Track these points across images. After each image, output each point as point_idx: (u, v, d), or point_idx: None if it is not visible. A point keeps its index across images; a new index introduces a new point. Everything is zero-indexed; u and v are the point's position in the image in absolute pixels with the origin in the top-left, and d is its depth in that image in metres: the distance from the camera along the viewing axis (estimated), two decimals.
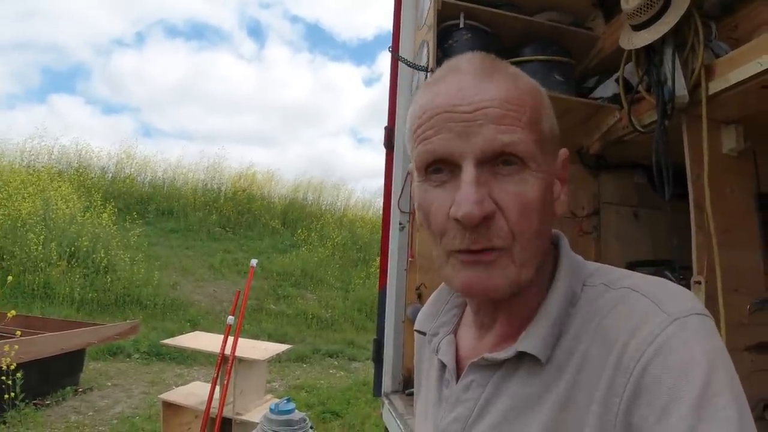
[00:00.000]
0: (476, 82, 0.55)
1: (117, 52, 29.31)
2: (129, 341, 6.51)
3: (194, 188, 12.62)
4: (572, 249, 0.64)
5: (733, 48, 1.80)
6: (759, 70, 1.52)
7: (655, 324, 0.50)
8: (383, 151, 2.51)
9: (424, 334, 0.74)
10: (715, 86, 1.68)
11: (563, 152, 0.63)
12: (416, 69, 2.07)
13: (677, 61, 1.73)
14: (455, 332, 0.71)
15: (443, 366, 0.68)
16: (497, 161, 0.54)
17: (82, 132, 28.14)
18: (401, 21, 2.49)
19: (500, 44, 2.17)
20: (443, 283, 0.75)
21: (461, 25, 2.10)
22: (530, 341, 0.57)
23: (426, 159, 0.56)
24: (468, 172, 0.53)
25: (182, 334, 7.29)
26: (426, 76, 2.00)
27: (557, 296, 0.58)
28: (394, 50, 2.41)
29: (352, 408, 5.34)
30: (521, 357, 0.58)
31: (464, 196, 0.52)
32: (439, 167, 0.56)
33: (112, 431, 4.32)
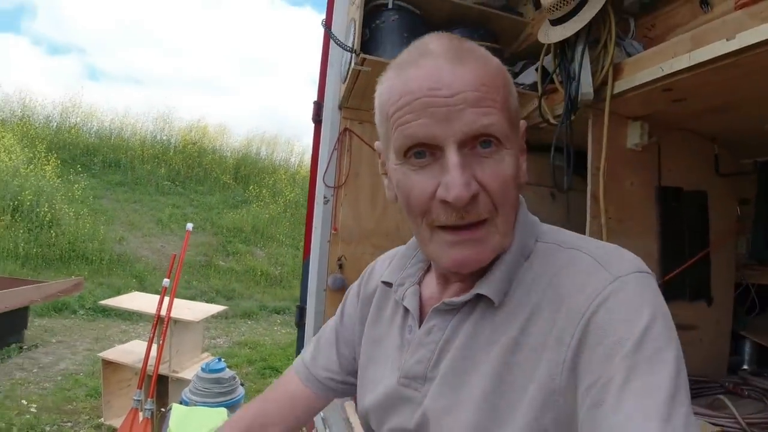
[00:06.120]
0: (450, 65, 0.57)
1: None
2: (74, 297, 6.42)
3: (142, 140, 12.10)
4: None
5: (647, 47, 1.87)
6: (661, 75, 1.59)
7: (599, 281, 0.56)
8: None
9: (390, 285, 0.78)
10: (621, 86, 1.74)
11: (522, 124, 0.67)
12: (343, 48, 2.06)
13: (586, 59, 1.79)
14: (419, 283, 0.76)
15: (406, 313, 0.74)
16: (476, 143, 0.58)
17: (26, 75, 26.05)
18: None
19: (428, 26, 2.17)
20: (411, 240, 0.80)
21: (389, 5, 2.08)
22: (486, 285, 0.63)
23: (406, 143, 0.59)
24: (452, 156, 0.56)
25: (128, 290, 7.25)
26: (351, 57, 1.99)
27: (512, 249, 0.64)
28: (327, 25, 2.37)
29: (291, 364, 5.47)
30: (477, 300, 0.64)
31: (453, 180, 0.56)
32: (421, 151, 0.59)
33: (57, 388, 4.31)
